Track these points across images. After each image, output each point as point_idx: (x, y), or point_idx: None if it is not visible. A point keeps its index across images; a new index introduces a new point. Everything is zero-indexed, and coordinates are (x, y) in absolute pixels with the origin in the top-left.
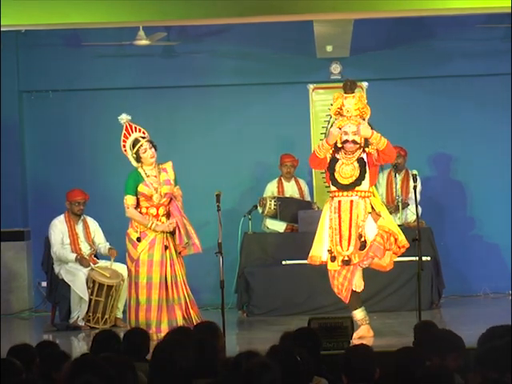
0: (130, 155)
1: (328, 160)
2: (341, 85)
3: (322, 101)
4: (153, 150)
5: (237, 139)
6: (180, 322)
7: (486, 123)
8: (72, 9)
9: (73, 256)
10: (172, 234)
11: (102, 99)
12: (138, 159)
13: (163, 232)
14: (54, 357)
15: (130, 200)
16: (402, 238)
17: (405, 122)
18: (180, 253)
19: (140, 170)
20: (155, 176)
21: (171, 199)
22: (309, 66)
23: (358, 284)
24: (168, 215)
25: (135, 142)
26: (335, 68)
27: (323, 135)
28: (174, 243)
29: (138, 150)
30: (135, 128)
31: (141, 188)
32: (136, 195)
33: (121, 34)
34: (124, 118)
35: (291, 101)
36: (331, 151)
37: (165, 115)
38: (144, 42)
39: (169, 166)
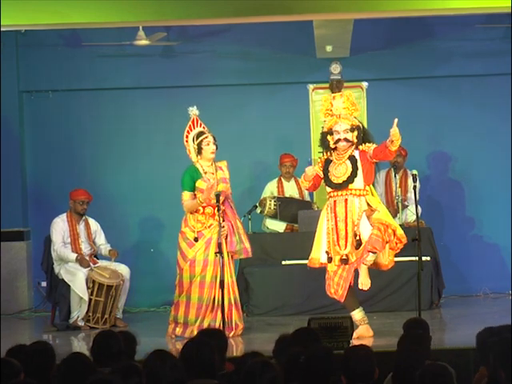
0: (192, 146)
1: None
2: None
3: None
4: (215, 146)
5: (237, 139)
6: (218, 323)
7: (486, 123)
8: (72, 9)
9: (73, 256)
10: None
11: (102, 99)
12: (199, 151)
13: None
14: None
15: (186, 196)
16: (400, 231)
17: (405, 122)
18: (232, 257)
19: (197, 165)
20: (212, 173)
21: (225, 199)
22: (309, 65)
23: (365, 282)
24: (224, 215)
25: (200, 134)
26: (335, 68)
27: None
28: (226, 246)
29: (200, 142)
30: (200, 124)
31: (199, 184)
32: (193, 191)
33: (121, 34)
34: (194, 110)
35: (291, 101)
36: (325, 155)
37: (164, 115)
38: (144, 42)
39: (224, 164)
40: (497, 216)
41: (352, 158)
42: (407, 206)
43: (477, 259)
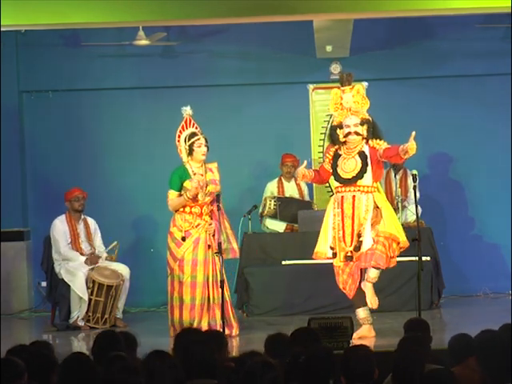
0: (183, 147)
1: (330, 166)
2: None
3: (321, 101)
4: (206, 148)
5: (237, 139)
6: (219, 321)
7: (486, 123)
8: (72, 9)
9: (82, 258)
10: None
11: (102, 99)
12: (190, 152)
13: (206, 232)
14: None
15: (172, 195)
16: (403, 239)
17: (405, 122)
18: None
19: (187, 165)
20: (201, 174)
21: (213, 200)
22: (309, 65)
23: (373, 301)
24: (211, 215)
25: (193, 135)
26: (335, 68)
27: (323, 135)
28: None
29: (192, 143)
30: (193, 124)
31: (187, 184)
32: (179, 191)
33: (121, 34)
34: (188, 110)
35: (291, 101)
36: (334, 148)
37: (165, 115)
38: (144, 42)
39: (214, 166)
40: (497, 216)
41: (362, 154)
42: (406, 206)
43: (477, 259)
